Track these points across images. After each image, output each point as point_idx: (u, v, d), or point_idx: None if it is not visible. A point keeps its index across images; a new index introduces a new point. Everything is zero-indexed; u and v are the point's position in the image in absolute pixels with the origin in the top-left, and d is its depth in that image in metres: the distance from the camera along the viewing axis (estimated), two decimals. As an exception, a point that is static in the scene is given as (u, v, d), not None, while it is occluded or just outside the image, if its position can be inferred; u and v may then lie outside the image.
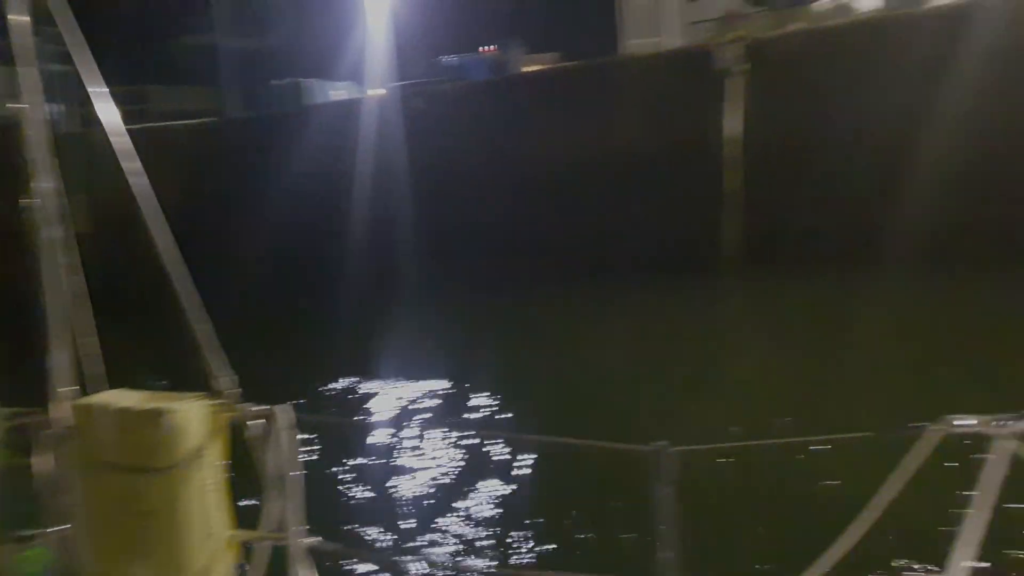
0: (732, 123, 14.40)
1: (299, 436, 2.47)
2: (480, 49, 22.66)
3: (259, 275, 15.75)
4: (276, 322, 14.26)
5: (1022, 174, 12.06)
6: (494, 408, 9.31)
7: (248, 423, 2.45)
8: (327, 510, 6.84)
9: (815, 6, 16.35)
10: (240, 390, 2.41)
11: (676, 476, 2.83)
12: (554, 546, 6.21)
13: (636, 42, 17.89)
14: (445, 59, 22.27)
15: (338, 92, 24.28)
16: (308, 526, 2.48)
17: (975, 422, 2.55)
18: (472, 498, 7.06)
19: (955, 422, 2.51)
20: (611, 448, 3.41)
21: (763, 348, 10.68)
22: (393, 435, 8.56)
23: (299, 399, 2.88)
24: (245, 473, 2.41)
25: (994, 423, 2.51)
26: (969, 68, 12.37)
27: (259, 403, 2.43)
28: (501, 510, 6.84)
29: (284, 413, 2.45)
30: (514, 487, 7.15)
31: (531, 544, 6.28)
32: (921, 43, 13.01)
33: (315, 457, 7.17)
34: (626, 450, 3.21)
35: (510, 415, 9.05)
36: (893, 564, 4.81)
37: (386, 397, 10.15)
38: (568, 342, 11.78)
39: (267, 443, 2.45)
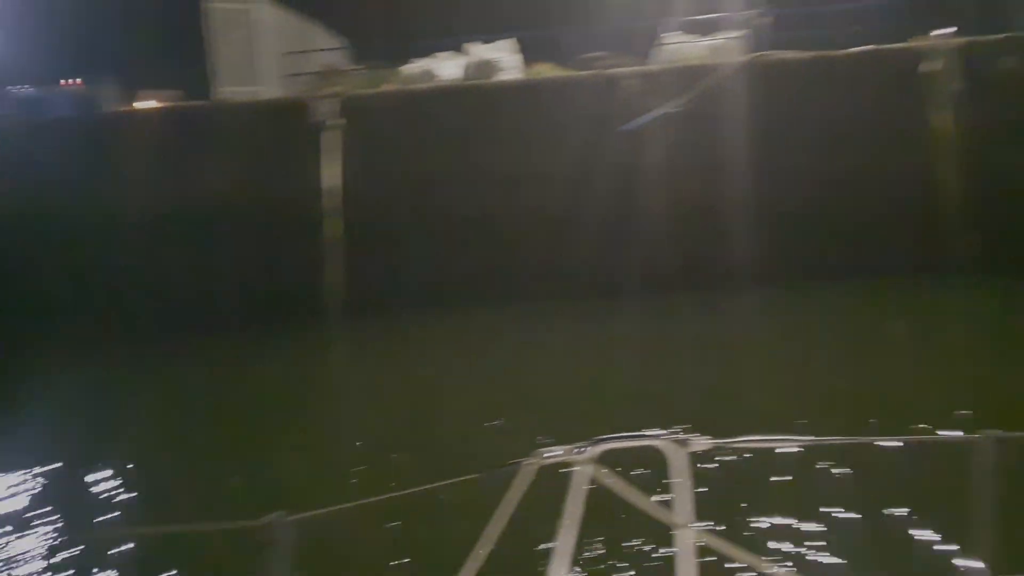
0: (331, 174, 14.70)
1: None
2: (63, 82, 19.96)
3: None
4: None
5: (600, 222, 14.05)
6: (87, 492, 7.96)
7: None
8: None
9: (404, 69, 17.43)
10: None
11: (294, 549, 2.67)
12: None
13: (230, 89, 17.28)
14: (16, 90, 19.20)
15: None
16: None
17: (561, 452, 2.73)
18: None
19: (545, 454, 2.75)
20: (220, 529, 3.13)
21: (370, 394, 10.85)
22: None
23: None
24: None
25: (575, 451, 2.74)
26: (526, 130, 14.40)
27: None
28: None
29: None
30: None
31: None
32: (491, 108, 14.76)
33: None
34: (237, 528, 2.97)
35: (108, 496, 7.85)
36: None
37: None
38: (168, 402, 10.78)
39: None
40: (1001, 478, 2.73)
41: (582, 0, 20.31)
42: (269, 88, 17.90)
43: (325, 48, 20.88)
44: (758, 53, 15.21)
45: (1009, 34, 14.46)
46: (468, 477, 3.22)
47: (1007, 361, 9.55)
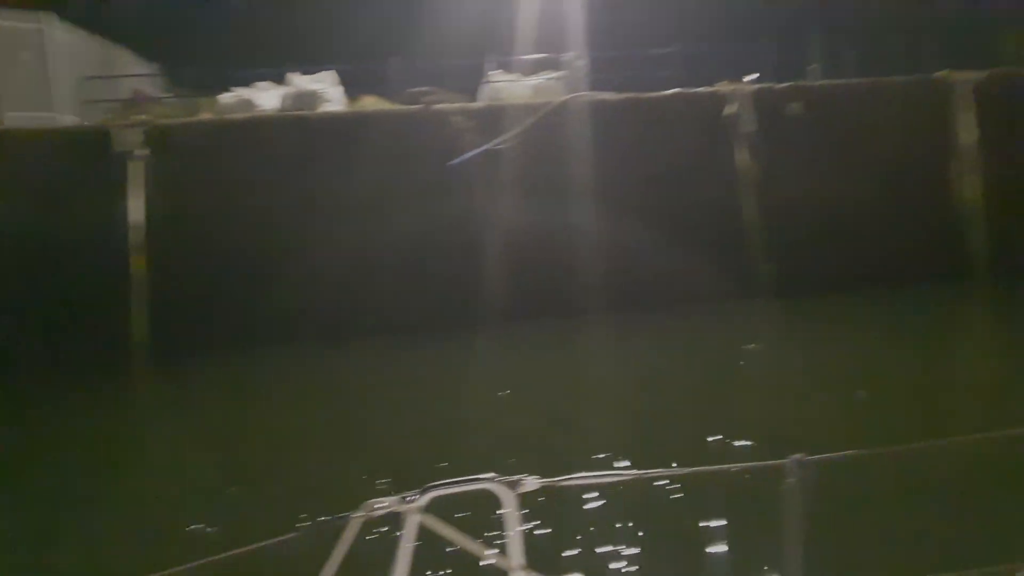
0: (136, 208, 13.66)
1: None
2: None
3: None
4: None
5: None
6: None
7: None
8: None
9: (221, 98, 16.65)
10: None
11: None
12: None
13: (18, 115, 15.67)
14: None
15: None
16: None
17: (389, 502, 2.65)
18: None
19: (375, 506, 2.63)
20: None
21: (179, 446, 9.93)
22: None
23: None
24: None
25: (404, 500, 2.65)
26: (352, 163, 14.12)
27: None
28: None
29: None
30: None
31: None
32: (315, 140, 14.39)
33: None
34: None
35: None
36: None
37: None
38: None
39: None
40: (808, 498, 2.91)
41: (408, 35, 20.42)
42: (67, 115, 16.46)
43: (132, 74, 19.57)
44: (577, 93, 15.87)
45: (793, 83, 16.04)
46: (289, 536, 3.05)
47: (806, 380, 10.39)
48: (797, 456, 2.92)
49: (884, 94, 15.76)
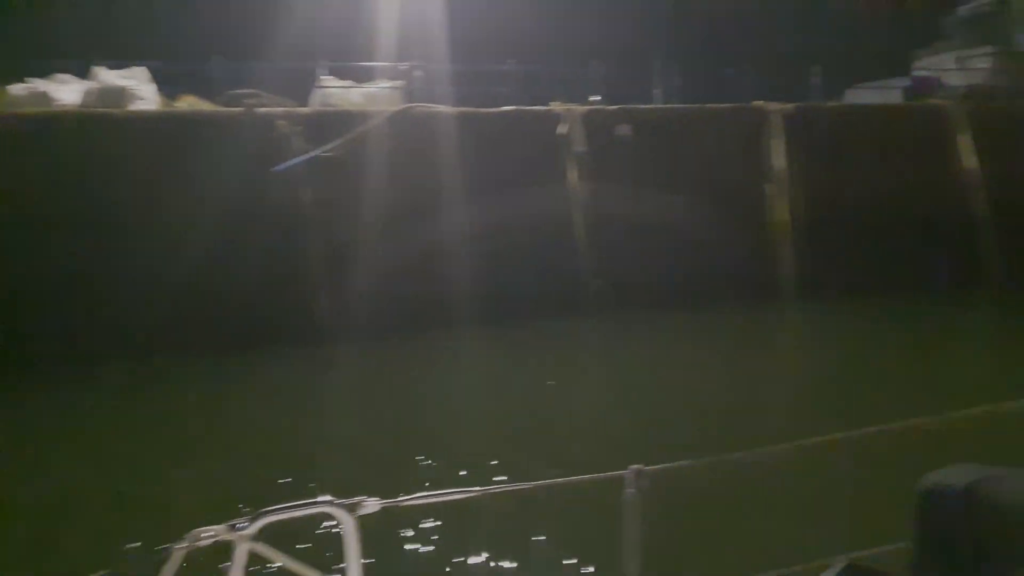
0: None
1: None
2: None
3: None
4: None
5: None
6: None
7: None
8: None
9: (12, 89, 14.89)
10: None
11: None
12: None
13: None
14: None
15: None
16: None
17: (216, 530, 2.51)
18: None
19: (202, 535, 2.47)
20: None
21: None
22: None
23: None
24: None
25: (234, 527, 2.52)
26: (164, 167, 13.29)
27: None
28: None
29: None
30: None
31: None
32: (122, 140, 13.31)
33: None
34: None
35: None
36: None
37: None
38: None
39: None
40: (647, 506, 3.05)
41: (234, 36, 19.35)
42: None
43: None
44: (410, 104, 15.66)
45: (622, 105, 16.69)
46: (102, 573, 2.80)
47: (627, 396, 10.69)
48: (635, 467, 3.05)
49: (707, 119, 16.73)
